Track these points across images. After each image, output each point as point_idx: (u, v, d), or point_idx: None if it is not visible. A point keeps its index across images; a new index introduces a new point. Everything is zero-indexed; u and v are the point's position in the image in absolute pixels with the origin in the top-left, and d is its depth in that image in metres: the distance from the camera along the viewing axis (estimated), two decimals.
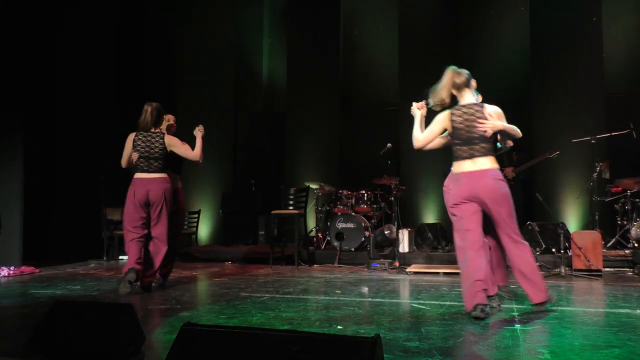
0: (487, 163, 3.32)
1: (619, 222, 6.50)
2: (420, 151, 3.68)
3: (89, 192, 7.69)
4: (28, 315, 3.46)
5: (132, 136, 4.42)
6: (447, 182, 3.44)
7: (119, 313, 2.39)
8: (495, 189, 3.27)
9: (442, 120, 3.47)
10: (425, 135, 3.53)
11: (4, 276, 5.57)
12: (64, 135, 7.84)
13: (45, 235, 7.45)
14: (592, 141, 6.40)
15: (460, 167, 3.36)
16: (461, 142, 3.36)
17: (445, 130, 3.49)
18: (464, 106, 3.41)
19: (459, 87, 3.43)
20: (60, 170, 7.71)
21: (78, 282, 5.07)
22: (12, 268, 5.87)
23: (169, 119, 4.81)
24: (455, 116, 3.40)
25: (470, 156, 3.32)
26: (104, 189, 7.50)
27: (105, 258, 7.50)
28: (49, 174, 7.57)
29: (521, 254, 3.33)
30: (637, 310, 3.41)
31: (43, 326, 2.44)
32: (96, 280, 5.18)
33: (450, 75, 3.46)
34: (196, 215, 8.63)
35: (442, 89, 3.46)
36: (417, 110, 3.62)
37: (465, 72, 3.47)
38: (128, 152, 4.42)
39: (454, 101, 3.49)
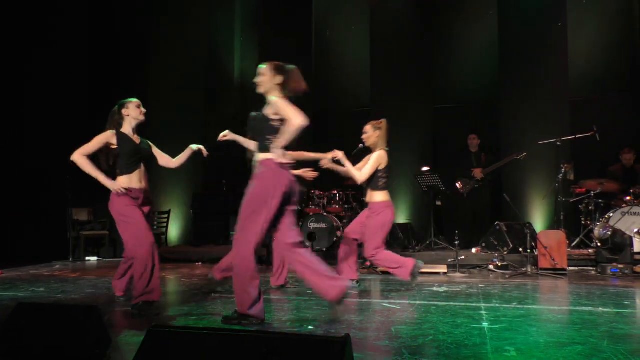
0: None
1: (582, 222, 6.68)
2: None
3: (54, 192, 7.50)
4: None
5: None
6: (388, 205, 4.45)
7: (84, 315, 2.33)
8: None
9: (384, 157, 4.46)
10: (370, 171, 4.42)
11: None
12: (30, 134, 7.62)
13: (8, 236, 7.22)
14: (558, 143, 6.57)
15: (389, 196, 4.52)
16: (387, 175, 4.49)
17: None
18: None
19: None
20: (25, 169, 7.48)
21: (42, 284, 4.93)
22: None
23: (138, 105, 3.82)
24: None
25: None
26: (70, 189, 7.31)
27: (70, 259, 7.32)
28: (13, 173, 7.33)
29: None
30: (600, 308, 3.52)
31: (5, 330, 2.36)
32: (61, 282, 5.05)
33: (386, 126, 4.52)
34: (166, 216, 8.51)
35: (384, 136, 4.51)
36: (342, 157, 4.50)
37: None
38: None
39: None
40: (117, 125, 3.73)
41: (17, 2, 7.44)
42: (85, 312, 2.37)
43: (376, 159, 4.43)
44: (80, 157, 3.55)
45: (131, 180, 3.66)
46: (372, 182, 4.48)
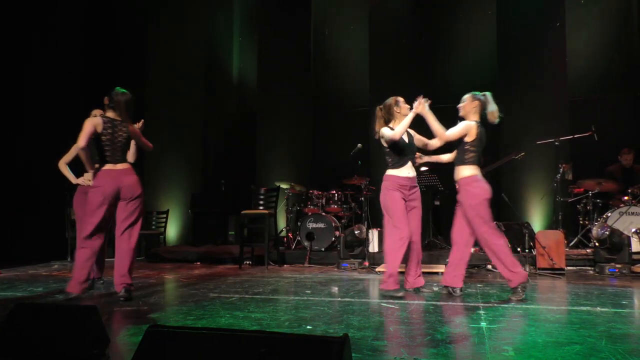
0: None
1: (581, 222, 6.70)
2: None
3: (51, 191, 7.48)
4: None
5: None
6: (477, 179, 4.02)
7: (82, 315, 2.33)
8: None
9: (473, 128, 4.00)
10: (455, 134, 4.02)
11: None
12: (26, 135, 7.61)
13: (6, 236, 7.21)
14: (556, 143, 6.58)
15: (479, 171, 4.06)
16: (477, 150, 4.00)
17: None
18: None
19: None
20: (21, 169, 7.47)
21: (40, 283, 4.93)
22: None
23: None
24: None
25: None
26: (68, 189, 7.30)
27: (69, 259, 7.31)
28: (10, 172, 7.32)
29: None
30: (598, 308, 3.52)
31: (3, 329, 2.36)
32: (59, 282, 5.04)
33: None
34: (164, 215, 8.51)
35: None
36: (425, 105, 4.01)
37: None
38: None
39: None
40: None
41: (14, 2, 7.41)
42: (83, 311, 2.36)
43: (464, 126, 3.98)
44: (61, 164, 4.79)
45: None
46: (459, 155, 4.06)
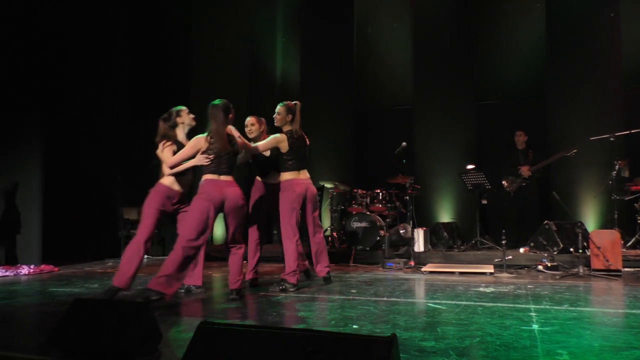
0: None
1: (638, 221, 6.40)
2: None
3: (106, 192, 7.79)
4: (47, 313, 3.51)
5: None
6: (294, 183, 4.51)
7: (136, 311, 2.41)
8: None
9: (283, 140, 4.50)
10: (264, 146, 4.52)
11: (24, 274, 5.68)
12: (82, 136, 7.93)
13: (64, 235, 7.54)
14: (611, 139, 6.31)
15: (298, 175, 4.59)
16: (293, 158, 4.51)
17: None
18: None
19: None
20: (79, 170, 7.80)
21: (96, 280, 5.14)
22: (32, 266, 5.99)
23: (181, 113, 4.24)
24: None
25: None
26: (121, 190, 7.59)
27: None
28: (68, 174, 7.65)
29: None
30: None
31: (63, 324, 2.47)
32: None
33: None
34: None
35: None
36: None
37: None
38: None
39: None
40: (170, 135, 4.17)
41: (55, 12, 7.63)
42: (137, 308, 2.45)
43: (272, 140, 4.44)
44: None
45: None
46: (280, 165, 4.58)
